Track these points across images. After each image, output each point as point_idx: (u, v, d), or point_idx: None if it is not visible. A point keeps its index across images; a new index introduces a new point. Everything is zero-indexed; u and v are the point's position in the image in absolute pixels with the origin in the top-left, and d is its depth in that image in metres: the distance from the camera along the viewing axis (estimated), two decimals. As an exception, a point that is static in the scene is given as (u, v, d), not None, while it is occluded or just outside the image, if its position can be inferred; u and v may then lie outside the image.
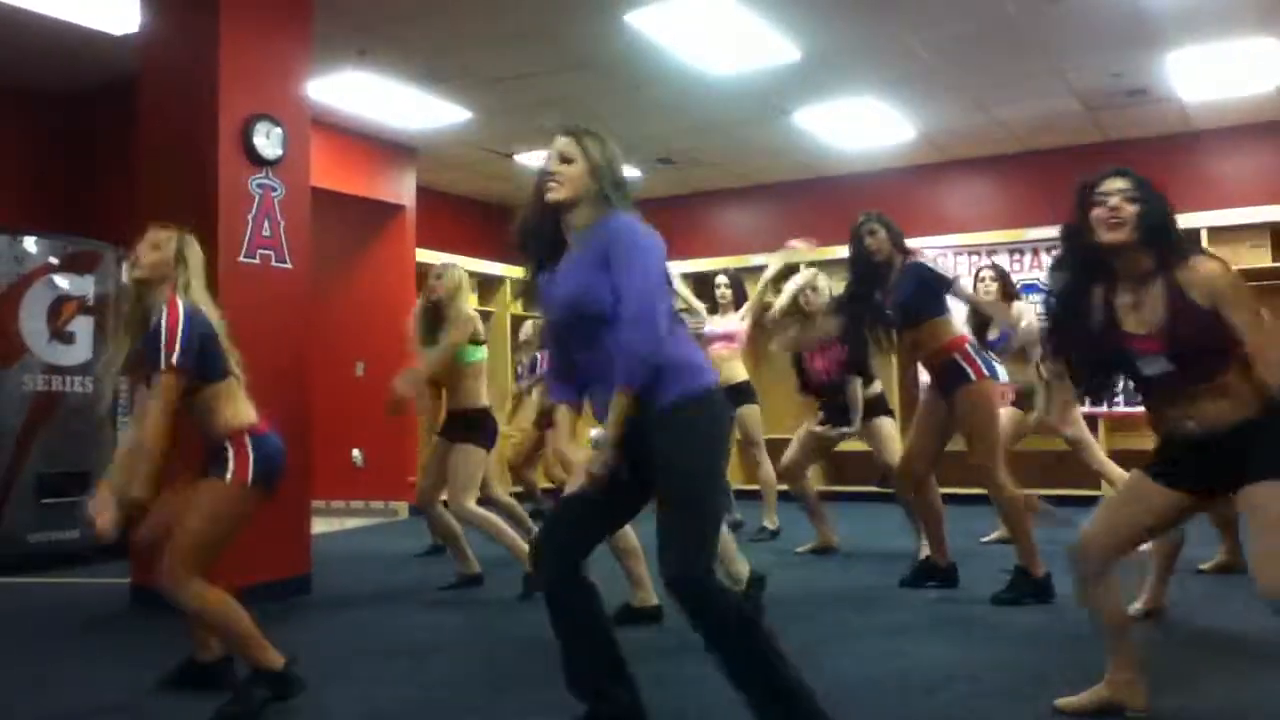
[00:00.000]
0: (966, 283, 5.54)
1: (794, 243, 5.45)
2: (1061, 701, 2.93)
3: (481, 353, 5.31)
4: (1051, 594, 4.42)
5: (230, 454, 3.20)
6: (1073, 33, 6.32)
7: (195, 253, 3.43)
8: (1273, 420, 2.61)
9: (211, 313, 3.34)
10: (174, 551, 3.10)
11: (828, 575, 5.42)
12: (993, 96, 7.52)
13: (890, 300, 4.73)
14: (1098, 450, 6.04)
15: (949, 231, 8.72)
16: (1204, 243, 7.70)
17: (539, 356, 7.25)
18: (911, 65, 6.84)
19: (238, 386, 3.37)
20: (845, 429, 5.86)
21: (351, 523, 8.29)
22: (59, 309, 6.22)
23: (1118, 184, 2.75)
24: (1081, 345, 2.89)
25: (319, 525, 6.47)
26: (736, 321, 6.72)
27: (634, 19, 5.90)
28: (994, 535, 6.12)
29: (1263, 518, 2.57)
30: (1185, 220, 3.49)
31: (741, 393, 6.60)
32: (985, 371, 4.61)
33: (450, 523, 5.24)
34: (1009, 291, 6.11)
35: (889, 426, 5.94)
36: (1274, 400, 2.59)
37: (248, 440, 3.24)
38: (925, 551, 5.03)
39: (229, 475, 3.17)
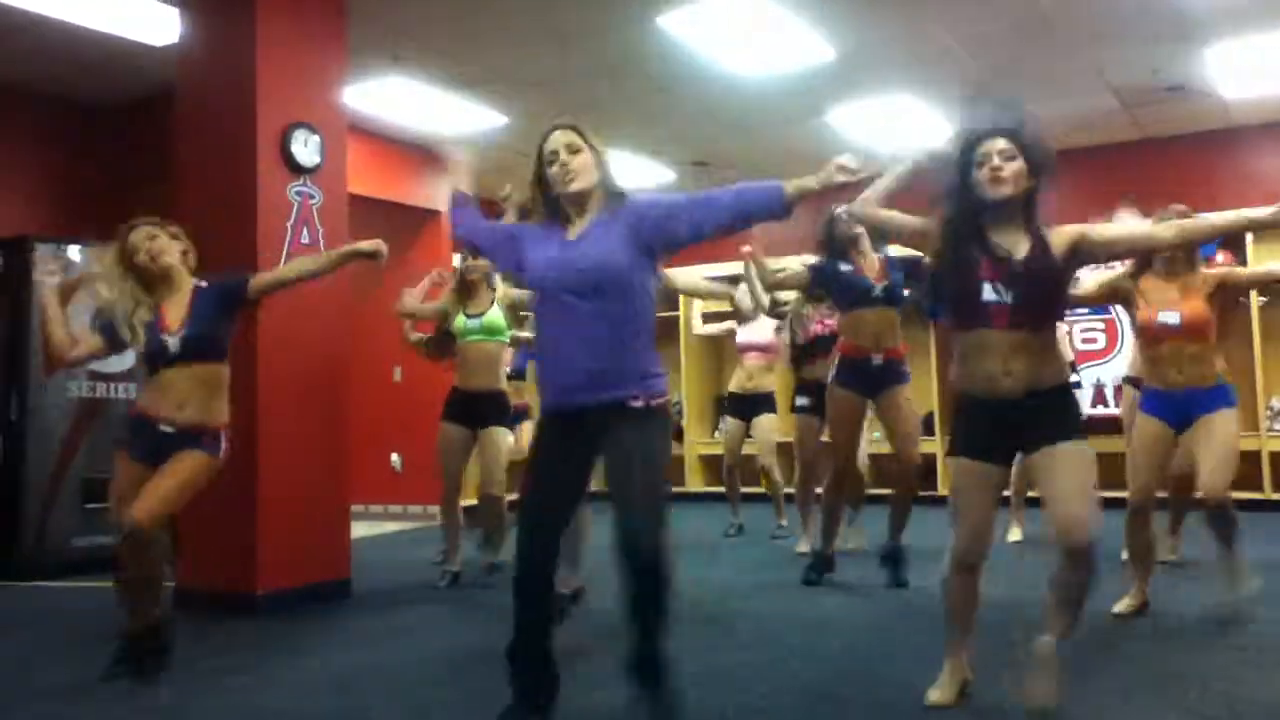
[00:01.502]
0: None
1: (745, 248, 5.45)
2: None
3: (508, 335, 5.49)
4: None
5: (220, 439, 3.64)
6: (1110, 28, 6.26)
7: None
8: (1068, 391, 2.95)
9: None
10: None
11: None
12: (1029, 94, 7.44)
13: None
14: None
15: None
16: (1246, 240, 7.64)
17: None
18: (947, 63, 6.80)
19: None
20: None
21: (391, 527, 8.34)
22: (102, 316, 6.29)
23: (998, 144, 2.89)
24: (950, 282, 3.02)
25: (358, 529, 6.50)
26: (770, 332, 6.75)
27: (666, 21, 5.90)
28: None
29: (1064, 467, 2.81)
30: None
31: (763, 401, 6.90)
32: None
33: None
34: None
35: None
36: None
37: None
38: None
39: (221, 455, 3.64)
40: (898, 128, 8.11)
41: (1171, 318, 4.01)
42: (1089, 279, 4.48)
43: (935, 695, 3.06)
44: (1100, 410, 7.75)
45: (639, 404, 2.78)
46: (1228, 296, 4.18)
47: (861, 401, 4.87)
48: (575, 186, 2.86)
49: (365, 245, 3.82)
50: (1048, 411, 2.86)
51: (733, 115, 7.71)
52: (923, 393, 7.65)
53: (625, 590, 2.79)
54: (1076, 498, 2.78)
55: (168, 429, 3.56)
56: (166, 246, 3.69)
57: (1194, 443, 4.04)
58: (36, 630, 4.68)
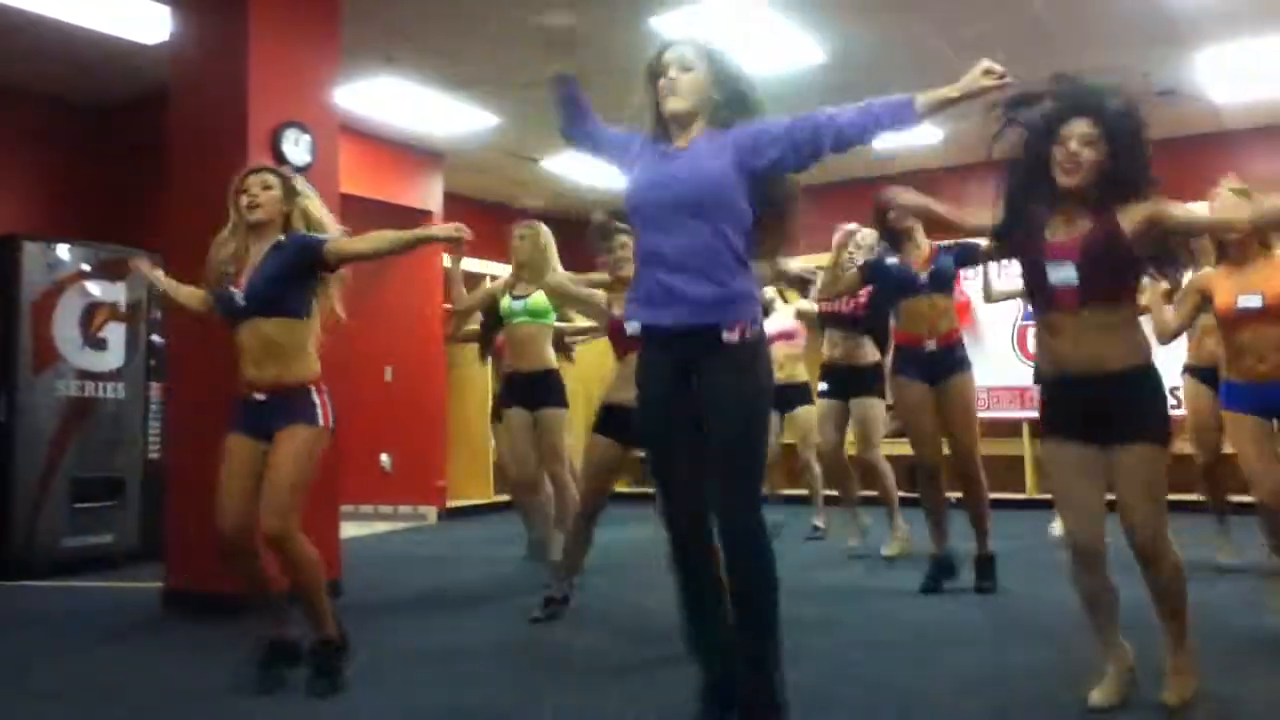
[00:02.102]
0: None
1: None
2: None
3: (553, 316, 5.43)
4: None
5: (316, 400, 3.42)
6: (1102, 32, 6.27)
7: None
8: (1149, 376, 2.80)
9: None
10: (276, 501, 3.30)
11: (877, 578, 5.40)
12: (1021, 97, 7.47)
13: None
14: None
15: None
16: None
17: None
18: (938, 66, 6.78)
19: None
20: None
21: (381, 527, 8.33)
22: (91, 316, 6.30)
23: (1080, 128, 2.81)
24: (1014, 246, 3.00)
25: (348, 530, 6.50)
26: (792, 318, 6.72)
27: (659, 24, 5.90)
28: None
29: (1130, 481, 2.74)
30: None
31: (800, 392, 6.69)
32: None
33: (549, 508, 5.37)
34: None
35: (870, 407, 5.97)
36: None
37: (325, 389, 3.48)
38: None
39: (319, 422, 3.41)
40: (889, 132, 8.13)
41: (1253, 301, 3.76)
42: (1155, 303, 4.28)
43: (1097, 697, 2.92)
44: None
45: (734, 336, 2.63)
46: None
47: (924, 390, 4.78)
48: (673, 106, 2.73)
49: (441, 230, 3.58)
50: (1121, 399, 2.77)
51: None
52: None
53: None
54: (1143, 503, 2.76)
55: (259, 396, 3.38)
56: (265, 201, 3.47)
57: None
58: (26, 631, 4.66)
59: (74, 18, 5.77)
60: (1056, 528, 6.09)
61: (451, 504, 8.81)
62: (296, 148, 5.06)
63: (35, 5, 5.59)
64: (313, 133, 5.14)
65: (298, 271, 3.44)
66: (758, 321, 2.70)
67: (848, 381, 5.94)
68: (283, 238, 3.50)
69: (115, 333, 6.39)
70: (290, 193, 3.54)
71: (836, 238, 5.63)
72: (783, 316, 6.75)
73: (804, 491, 6.95)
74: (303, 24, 5.21)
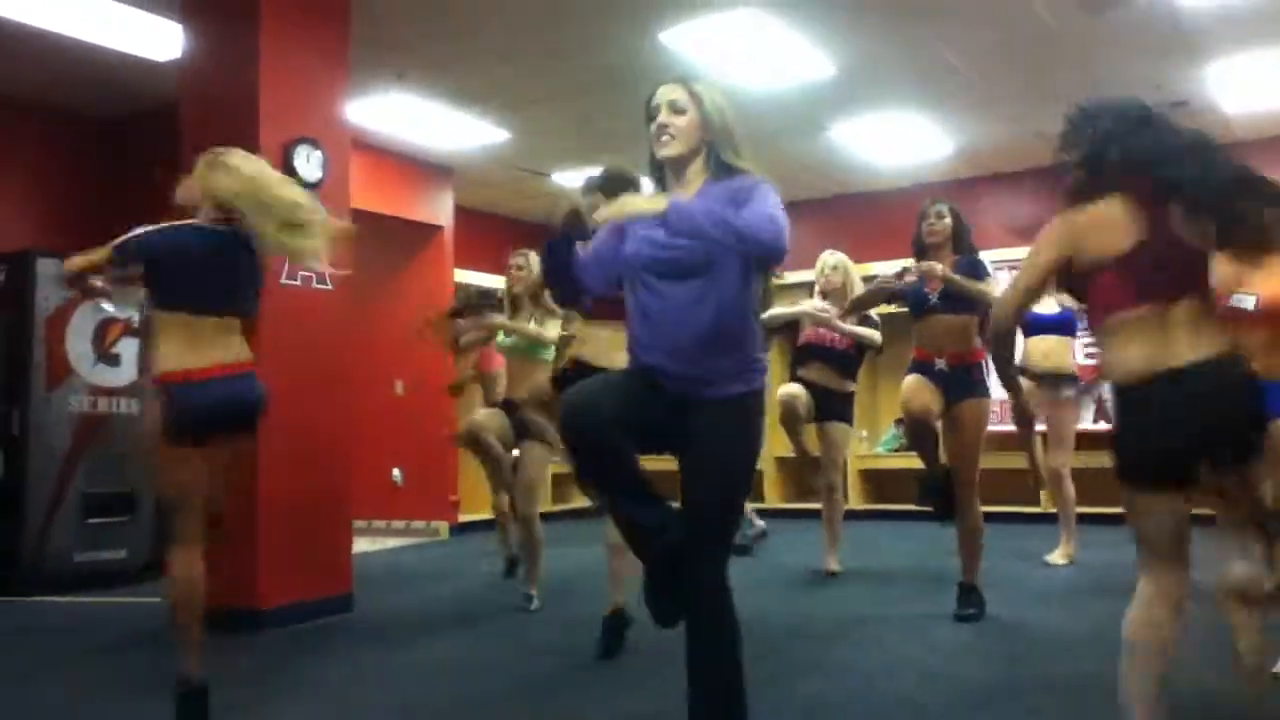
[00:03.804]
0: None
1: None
2: None
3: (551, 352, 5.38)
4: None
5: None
6: (1112, 44, 6.27)
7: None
8: None
9: None
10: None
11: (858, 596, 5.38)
12: (1030, 109, 7.46)
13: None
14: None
15: (987, 247, 8.57)
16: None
17: None
18: (948, 78, 6.81)
19: None
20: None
21: (392, 542, 8.33)
22: (105, 331, 6.33)
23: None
24: None
25: (360, 544, 6.51)
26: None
27: (668, 37, 5.92)
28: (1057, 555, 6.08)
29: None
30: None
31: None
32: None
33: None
34: None
35: (843, 432, 5.96)
36: None
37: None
38: None
39: None
40: (898, 143, 8.14)
41: (1245, 301, 3.48)
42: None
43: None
44: (1103, 426, 7.73)
45: (733, 392, 2.51)
46: None
47: (933, 388, 4.67)
48: (666, 151, 2.59)
49: None
50: None
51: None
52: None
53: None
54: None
55: None
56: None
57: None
58: (37, 645, 4.67)
59: (88, 35, 5.82)
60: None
61: (464, 518, 8.80)
62: (308, 164, 5.08)
63: (50, 23, 5.63)
64: (324, 148, 5.16)
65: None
66: (759, 381, 2.58)
67: (823, 403, 5.85)
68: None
69: (128, 348, 6.41)
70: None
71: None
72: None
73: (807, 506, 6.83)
74: (313, 41, 5.24)
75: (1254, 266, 3.47)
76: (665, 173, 2.66)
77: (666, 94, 2.61)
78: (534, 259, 5.24)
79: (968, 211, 4.94)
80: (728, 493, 2.54)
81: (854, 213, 9.58)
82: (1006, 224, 8.71)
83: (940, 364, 4.71)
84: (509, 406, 5.38)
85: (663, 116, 2.59)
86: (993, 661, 3.80)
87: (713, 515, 2.50)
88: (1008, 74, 6.80)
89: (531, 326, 5.18)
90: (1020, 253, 8.48)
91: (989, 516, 4.76)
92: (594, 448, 2.48)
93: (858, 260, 6.47)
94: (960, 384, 4.65)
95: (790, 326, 6.13)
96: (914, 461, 5.32)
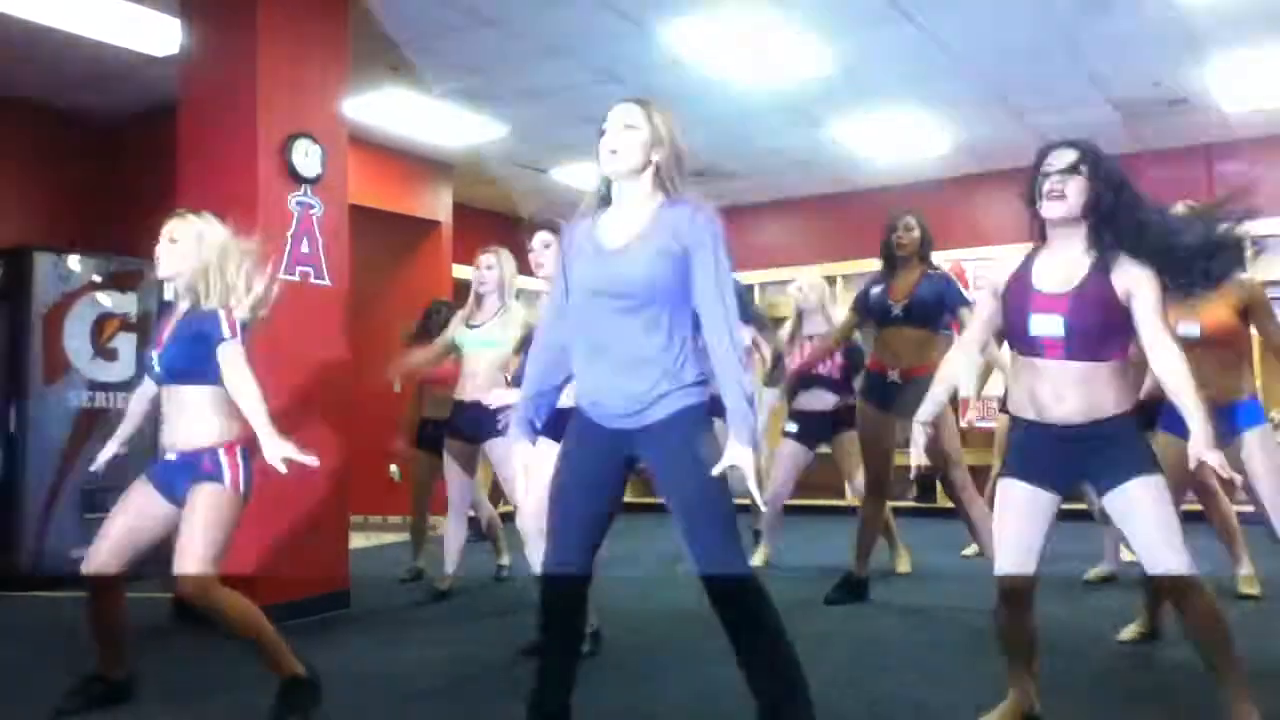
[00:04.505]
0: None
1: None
2: None
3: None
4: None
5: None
6: (1112, 41, 6.26)
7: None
8: (1132, 422, 2.69)
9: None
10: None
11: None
12: (1028, 106, 7.47)
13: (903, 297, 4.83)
14: None
15: (985, 244, 8.64)
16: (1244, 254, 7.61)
17: None
18: (946, 75, 6.81)
19: None
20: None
21: (389, 538, 8.32)
22: (102, 326, 6.32)
23: (1067, 156, 2.83)
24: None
25: (357, 540, 6.50)
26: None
27: (665, 33, 5.91)
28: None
29: (1140, 511, 2.61)
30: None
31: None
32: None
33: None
34: None
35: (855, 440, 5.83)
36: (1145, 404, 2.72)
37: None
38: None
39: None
40: (897, 139, 8.13)
41: (1190, 329, 3.60)
42: None
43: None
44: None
45: (674, 410, 2.54)
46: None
47: (886, 419, 4.83)
48: (612, 167, 2.60)
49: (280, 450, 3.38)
50: (1109, 445, 2.68)
51: (731, 127, 7.72)
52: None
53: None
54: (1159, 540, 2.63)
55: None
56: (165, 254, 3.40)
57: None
58: (35, 641, 4.67)
59: (85, 29, 5.80)
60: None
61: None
62: (307, 159, 5.07)
63: (47, 17, 5.62)
64: (322, 144, 5.15)
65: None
66: (698, 397, 2.58)
67: (832, 423, 5.85)
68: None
69: (126, 343, 6.40)
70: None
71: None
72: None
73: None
74: (311, 36, 5.23)
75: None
76: (610, 190, 2.69)
77: (619, 113, 2.65)
78: (505, 257, 5.18)
79: (967, 208, 4.96)
80: (708, 491, 2.52)
81: (851, 210, 9.56)
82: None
83: (893, 375, 4.77)
84: (460, 408, 5.16)
85: (610, 134, 2.62)
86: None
87: (702, 518, 2.53)
88: (1006, 71, 6.79)
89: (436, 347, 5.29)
90: (1017, 250, 8.49)
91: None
92: (561, 633, 2.66)
93: (854, 257, 6.48)
94: (913, 396, 4.64)
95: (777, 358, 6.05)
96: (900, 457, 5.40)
